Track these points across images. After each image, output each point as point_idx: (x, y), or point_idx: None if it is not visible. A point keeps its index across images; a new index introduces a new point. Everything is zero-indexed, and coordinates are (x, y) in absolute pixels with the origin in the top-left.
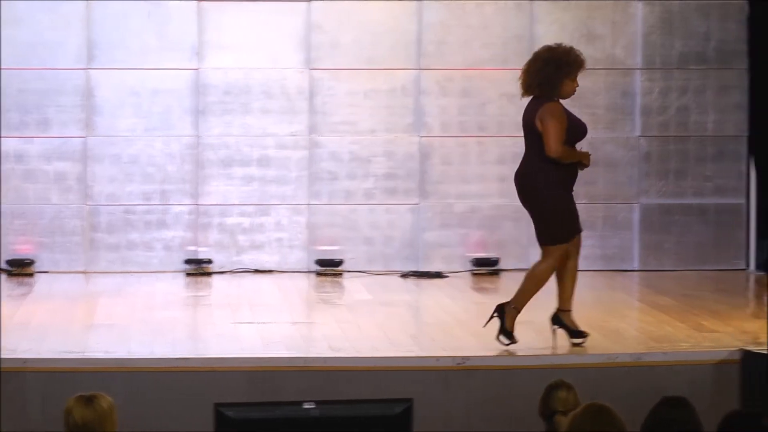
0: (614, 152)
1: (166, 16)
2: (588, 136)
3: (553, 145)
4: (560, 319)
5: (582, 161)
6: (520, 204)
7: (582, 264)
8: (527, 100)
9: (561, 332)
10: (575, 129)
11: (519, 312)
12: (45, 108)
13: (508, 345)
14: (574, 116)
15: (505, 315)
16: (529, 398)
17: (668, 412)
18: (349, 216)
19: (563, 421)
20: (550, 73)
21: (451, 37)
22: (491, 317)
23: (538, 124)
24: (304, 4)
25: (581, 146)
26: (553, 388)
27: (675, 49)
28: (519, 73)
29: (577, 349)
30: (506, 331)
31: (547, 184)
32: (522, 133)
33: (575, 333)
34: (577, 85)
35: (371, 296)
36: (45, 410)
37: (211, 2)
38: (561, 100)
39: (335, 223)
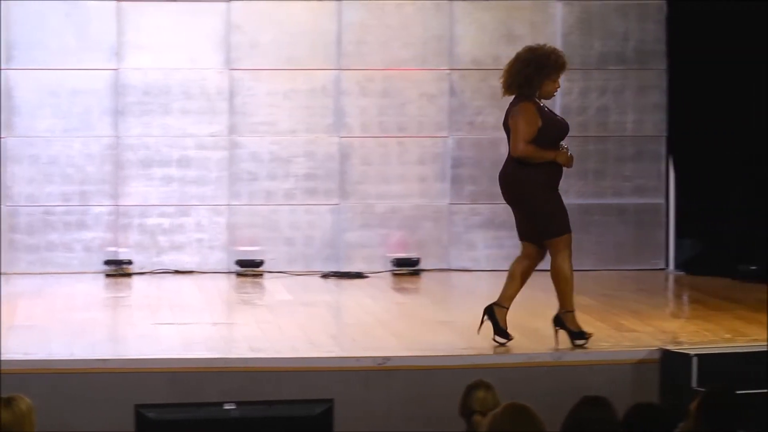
0: None
1: (85, 16)
2: None
3: (518, 144)
4: (492, 312)
5: (557, 160)
6: (441, 204)
7: (502, 264)
8: (451, 100)
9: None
10: (552, 128)
11: (572, 312)
12: None
13: (581, 344)
14: (554, 115)
15: (565, 322)
16: (449, 398)
17: (588, 412)
18: (270, 216)
19: (482, 421)
20: (530, 73)
21: (370, 37)
22: (560, 331)
23: (510, 123)
24: (223, 4)
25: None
26: (471, 389)
27: (594, 50)
28: (439, 73)
29: (498, 348)
30: (575, 334)
31: (529, 182)
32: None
33: (501, 331)
34: (558, 86)
35: (292, 297)
36: None
37: (130, 2)
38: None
39: (255, 223)
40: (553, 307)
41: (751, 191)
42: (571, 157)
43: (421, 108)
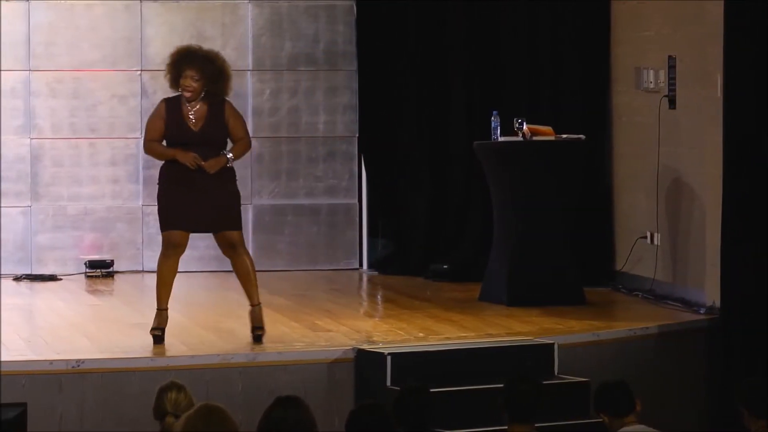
0: None
1: None
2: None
3: (143, 142)
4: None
5: (177, 159)
6: (134, 206)
7: (197, 265)
8: (143, 101)
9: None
10: (171, 129)
11: (163, 311)
12: None
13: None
14: (180, 117)
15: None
16: (144, 400)
17: (281, 412)
18: None
19: (174, 423)
20: (171, 71)
21: (60, 38)
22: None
23: None
24: None
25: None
26: (163, 390)
27: (285, 51)
28: (130, 74)
29: (193, 349)
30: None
31: (160, 178)
32: None
33: (254, 328)
34: (186, 81)
35: None
36: None
37: None
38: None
39: None
40: (246, 308)
41: (439, 191)
42: (194, 156)
43: (112, 109)
